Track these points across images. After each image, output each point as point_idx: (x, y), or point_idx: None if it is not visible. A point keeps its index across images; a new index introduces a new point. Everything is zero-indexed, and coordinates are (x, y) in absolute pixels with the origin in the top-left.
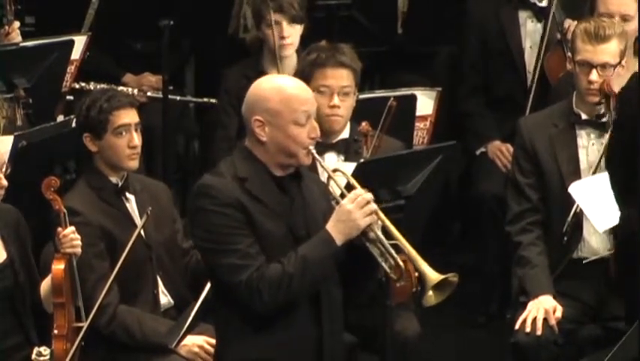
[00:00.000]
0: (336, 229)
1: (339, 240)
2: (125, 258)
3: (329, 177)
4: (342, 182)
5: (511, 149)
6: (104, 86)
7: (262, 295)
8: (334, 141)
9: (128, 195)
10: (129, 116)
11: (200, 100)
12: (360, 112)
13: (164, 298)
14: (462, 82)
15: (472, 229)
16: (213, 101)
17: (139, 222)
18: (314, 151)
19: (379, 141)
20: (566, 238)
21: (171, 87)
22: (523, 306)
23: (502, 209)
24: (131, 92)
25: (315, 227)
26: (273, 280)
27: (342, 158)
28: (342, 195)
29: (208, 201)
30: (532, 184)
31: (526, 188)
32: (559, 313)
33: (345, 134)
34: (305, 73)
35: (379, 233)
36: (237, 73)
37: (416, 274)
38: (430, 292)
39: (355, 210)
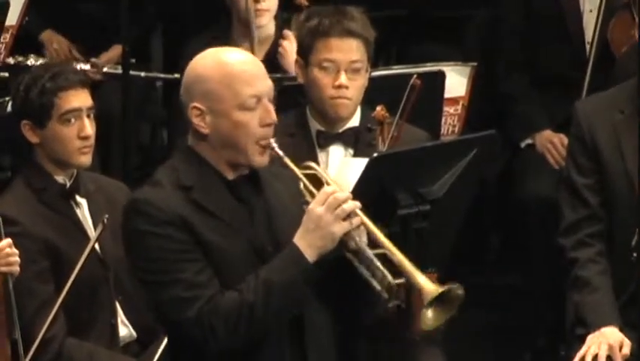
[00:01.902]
0: (305, 241)
1: (310, 255)
2: (74, 279)
3: (297, 178)
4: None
5: (564, 140)
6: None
7: (216, 333)
8: (341, 130)
9: (78, 198)
10: (80, 99)
11: (169, 77)
12: (374, 93)
13: (125, 330)
14: (501, 55)
15: (515, 243)
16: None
17: (92, 233)
18: (275, 145)
19: (398, 130)
20: (635, 255)
21: (133, 60)
22: (581, 340)
23: (553, 217)
24: (82, 68)
25: (286, 240)
26: (228, 312)
27: (351, 152)
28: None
29: (142, 221)
30: (591, 185)
31: (584, 190)
32: (626, 350)
33: (355, 121)
34: (303, 45)
35: (362, 242)
36: (203, 44)
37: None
38: (428, 311)
39: (326, 214)
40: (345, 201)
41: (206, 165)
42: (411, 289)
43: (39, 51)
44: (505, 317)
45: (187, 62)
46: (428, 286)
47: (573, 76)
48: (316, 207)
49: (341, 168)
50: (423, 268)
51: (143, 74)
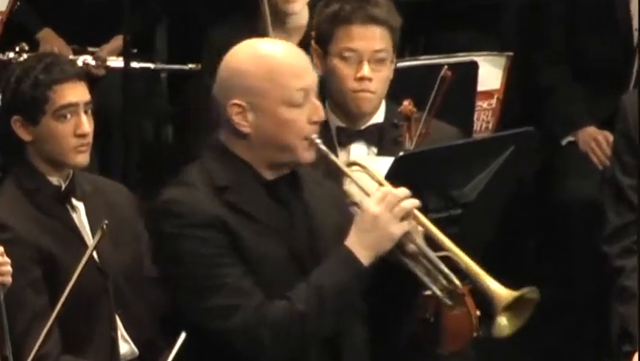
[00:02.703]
0: (360, 244)
1: (365, 257)
2: (70, 290)
3: (344, 175)
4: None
5: (610, 138)
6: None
7: (263, 344)
8: (363, 127)
9: (74, 202)
10: (76, 93)
11: (175, 67)
12: (400, 86)
13: (125, 346)
14: (541, 44)
15: (554, 250)
16: (191, 66)
17: (90, 239)
18: (318, 141)
19: (427, 127)
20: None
21: (135, 50)
22: (628, 357)
23: (596, 221)
24: (85, 62)
25: (325, 246)
26: (277, 322)
27: (375, 150)
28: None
29: (174, 223)
30: (637, 187)
31: (631, 192)
32: None
33: (379, 117)
34: (322, 33)
35: (422, 243)
36: (226, 33)
37: (478, 313)
38: (502, 318)
39: (385, 213)
40: (404, 199)
41: (242, 164)
42: (440, 302)
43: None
44: (544, 332)
45: (211, 52)
46: (501, 291)
47: (620, 67)
48: (372, 205)
49: None
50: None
51: (151, 65)
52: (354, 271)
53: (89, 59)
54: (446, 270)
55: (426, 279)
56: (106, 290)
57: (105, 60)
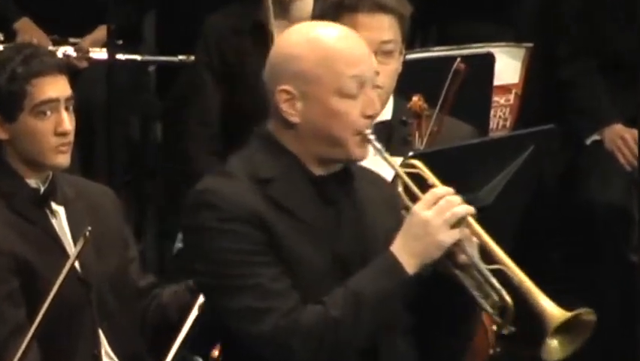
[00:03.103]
0: (406, 250)
1: (411, 266)
2: (50, 302)
3: (396, 176)
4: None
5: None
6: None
7: (293, 352)
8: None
9: (54, 206)
10: (57, 88)
11: (164, 59)
12: (410, 81)
13: None
14: (563, 35)
15: (579, 258)
16: (182, 57)
17: (72, 247)
18: (372, 137)
19: (439, 125)
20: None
21: (120, 41)
22: None
23: (624, 227)
24: (66, 54)
25: (374, 252)
26: (310, 330)
27: (383, 149)
28: (417, 201)
29: (210, 216)
30: None
31: None
32: None
33: (387, 114)
34: (325, 21)
35: (475, 254)
36: (223, 24)
37: (494, 327)
38: (553, 340)
39: (435, 219)
40: (456, 204)
41: (290, 156)
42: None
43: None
44: None
45: (207, 42)
46: (554, 311)
47: None
48: (423, 209)
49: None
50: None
51: (139, 57)
52: (397, 279)
53: (70, 51)
54: (498, 285)
55: (476, 293)
56: (89, 302)
57: (88, 52)
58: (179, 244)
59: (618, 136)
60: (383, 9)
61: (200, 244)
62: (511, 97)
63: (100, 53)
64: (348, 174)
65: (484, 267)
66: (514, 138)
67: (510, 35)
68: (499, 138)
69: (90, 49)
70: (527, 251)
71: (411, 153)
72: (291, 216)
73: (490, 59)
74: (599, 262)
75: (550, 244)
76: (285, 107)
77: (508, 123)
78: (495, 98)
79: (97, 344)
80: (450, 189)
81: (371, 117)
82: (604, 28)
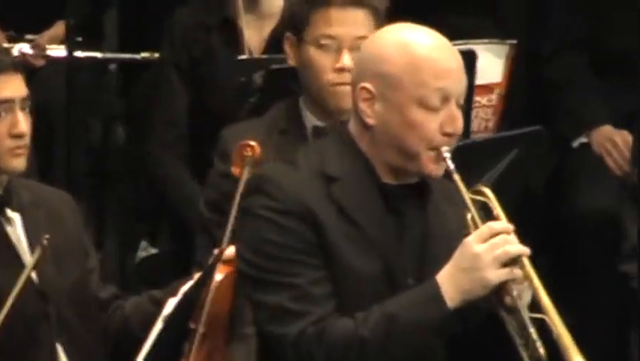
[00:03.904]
0: (451, 282)
1: (453, 299)
2: (5, 316)
3: (464, 202)
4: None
5: (628, 138)
6: None
7: None
8: None
9: (9, 213)
10: (12, 87)
11: (127, 57)
12: None
13: None
14: (550, 31)
15: (567, 268)
16: (145, 55)
17: (28, 257)
18: (447, 155)
19: None
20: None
21: (80, 38)
22: None
23: (614, 235)
24: (21, 52)
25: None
26: (335, 343)
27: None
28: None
29: (262, 203)
30: None
31: None
32: None
33: None
34: (296, 17)
35: (522, 301)
36: (190, 19)
37: None
38: None
39: (486, 254)
40: (512, 243)
41: (362, 159)
42: None
43: None
44: None
45: (173, 39)
46: None
47: None
48: (475, 242)
49: None
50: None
51: (98, 55)
52: (436, 310)
53: (26, 48)
54: (534, 335)
55: (517, 340)
56: (46, 315)
57: (45, 49)
58: (141, 253)
59: (607, 139)
60: (357, 3)
61: (250, 230)
62: (494, 97)
63: (58, 51)
64: (424, 188)
65: (526, 314)
66: (498, 140)
67: (493, 31)
68: (481, 141)
69: (48, 46)
70: None
71: None
72: (349, 219)
73: (471, 57)
74: (587, 272)
75: (536, 252)
76: (363, 106)
77: (490, 125)
78: (477, 99)
79: (55, 359)
80: (509, 226)
81: (450, 135)
82: (595, 23)
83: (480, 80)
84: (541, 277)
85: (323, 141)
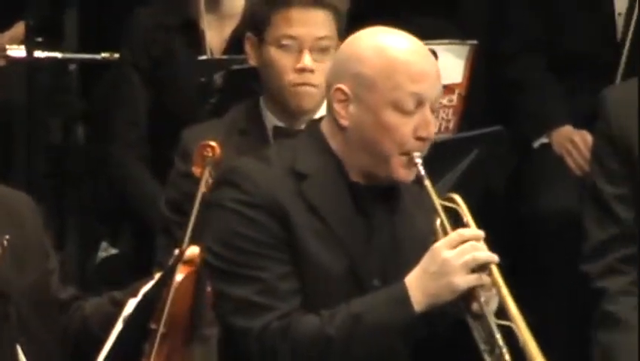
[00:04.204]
0: (419, 286)
1: (420, 303)
2: None
3: (434, 209)
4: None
5: (589, 139)
6: None
7: (277, 358)
8: (304, 126)
9: None
10: None
11: (87, 57)
12: None
13: None
14: (510, 31)
15: (526, 269)
16: (105, 55)
17: None
18: (419, 161)
19: None
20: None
21: (40, 38)
22: None
23: (575, 236)
24: None
25: (399, 278)
26: (300, 339)
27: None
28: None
29: (233, 195)
30: (623, 196)
31: (615, 202)
32: None
33: (322, 113)
34: (257, 17)
35: (492, 306)
36: (150, 19)
37: None
38: None
39: (455, 259)
40: (480, 249)
41: (334, 158)
42: None
43: None
44: None
45: (133, 39)
46: None
47: (603, 57)
48: (444, 248)
49: None
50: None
51: (59, 55)
52: (402, 313)
53: None
54: (500, 342)
55: (482, 346)
56: (6, 316)
57: (5, 49)
58: (102, 254)
59: (567, 139)
60: (318, 4)
61: (219, 222)
62: (455, 97)
63: (18, 51)
64: (394, 192)
65: (493, 320)
66: (458, 141)
67: (454, 31)
68: (441, 141)
69: (7, 46)
70: None
71: None
72: (318, 217)
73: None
74: (548, 272)
75: (497, 253)
76: (337, 107)
77: (451, 125)
78: None
79: (15, 360)
80: (480, 233)
81: (423, 140)
82: (555, 23)
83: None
84: (502, 277)
85: (295, 139)
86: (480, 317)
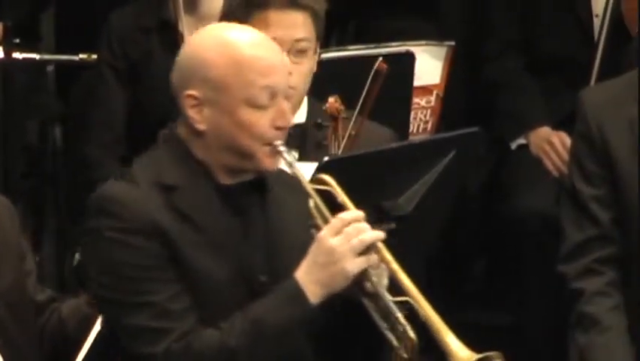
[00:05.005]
0: (311, 278)
1: (315, 295)
2: None
3: (307, 193)
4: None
5: (567, 140)
6: None
7: None
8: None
9: None
10: None
11: (64, 58)
12: (326, 81)
13: None
14: (488, 32)
15: (503, 270)
16: (83, 56)
17: None
18: (283, 149)
19: (356, 128)
20: None
21: (17, 40)
22: None
23: (552, 237)
24: None
25: (286, 269)
26: (203, 356)
27: (296, 155)
28: (326, 221)
29: (107, 224)
30: (601, 197)
31: (592, 203)
32: None
33: (301, 117)
34: (234, 19)
35: (384, 283)
36: (128, 21)
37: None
38: None
39: (341, 246)
40: (364, 230)
41: (196, 164)
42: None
43: None
44: None
45: (110, 40)
46: (461, 352)
47: (579, 58)
48: (329, 236)
49: None
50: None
51: (36, 56)
52: (300, 308)
53: None
54: (402, 319)
55: (382, 324)
56: None
57: None
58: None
59: (545, 140)
60: (296, 5)
61: (99, 253)
62: (433, 98)
63: None
64: (262, 183)
65: (389, 298)
66: (436, 141)
67: (431, 33)
68: (419, 142)
69: None
70: (450, 262)
71: (326, 158)
72: (195, 227)
73: (409, 58)
74: (525, 273)
75: (474, 254)
76: (191, 113)
77: (429, 126)
78: (415, 100)
79: None
80: (359, 214)
81: (282, 129)
82: (533, 24)
83: (418, 81)
84: (479, 277)
85: (155, 152)
86: (375, 296)
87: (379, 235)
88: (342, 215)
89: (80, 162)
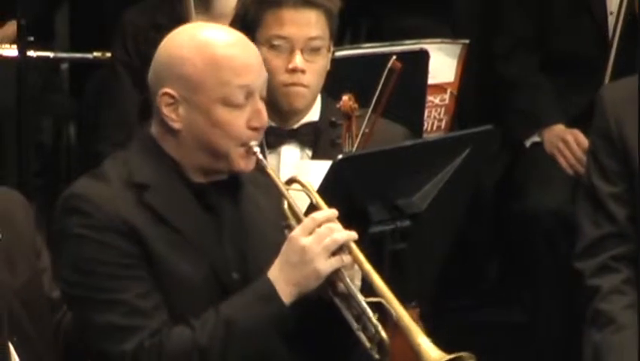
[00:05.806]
0: (283, 278)
1: (287, 295)
2: None
3: (281, 194)
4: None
5: (583, 139)
6: None
7: None
8: (296, 126)
9: None
10: None
11: (78, 56)
12: (340, 79)
13: None
14: (502, 30)
15: (518, 269)
16: (97, 54)
17: None
18: (257, 150)
19: (370, 126)
20: None
21: (31, 38)
22: None
23: (565, 235)
24: None
25: (259, 268)
26: (174, 354)
27: (309, 153)
28: (299, 222)
29: (77, 222)
30: (618, 195)
31: (610, 201)
32: None
33: (314, 115)
34: (248, 18)
35: (356, 283)
36: (141, 19)
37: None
38: None
39: (314, 246)
40: (337, 230)
41: (169, 162)
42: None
43: None
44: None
45: (124, 38)
46: (431, 352)
47: (594, 56)
48: (302, 236)
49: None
50: (401, 301)
51: (51, 55)
52: (272, 308)
53: None
54: (374, 319)
55: (355, 325)
56: None
57: None
58: None
59: (559, 138)
60: (309, 4)
61: (69, 251)
62: (447, 96)
63: (10, 50)
64: (236, 181)
65: (361, 298)
66: (450, 140)
67: (446, 31)
68: (433, 140)
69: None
70: (464, 260)
71: (340, 156)
72: (167, 225)
73: (424, 57)
74: (539, 271)
75: (488, 253)
76: (166, 111)
77: (443, 124)
78: (429, 98)
79: (7, 360)
80: (332, 213)
81: (257, 129)
82: (547, 22)
83: (432, 79)
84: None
85: (128, 151)
86: (347, 296)
87: (352, 235)
88: (315, 215)
89: (93, 160)
